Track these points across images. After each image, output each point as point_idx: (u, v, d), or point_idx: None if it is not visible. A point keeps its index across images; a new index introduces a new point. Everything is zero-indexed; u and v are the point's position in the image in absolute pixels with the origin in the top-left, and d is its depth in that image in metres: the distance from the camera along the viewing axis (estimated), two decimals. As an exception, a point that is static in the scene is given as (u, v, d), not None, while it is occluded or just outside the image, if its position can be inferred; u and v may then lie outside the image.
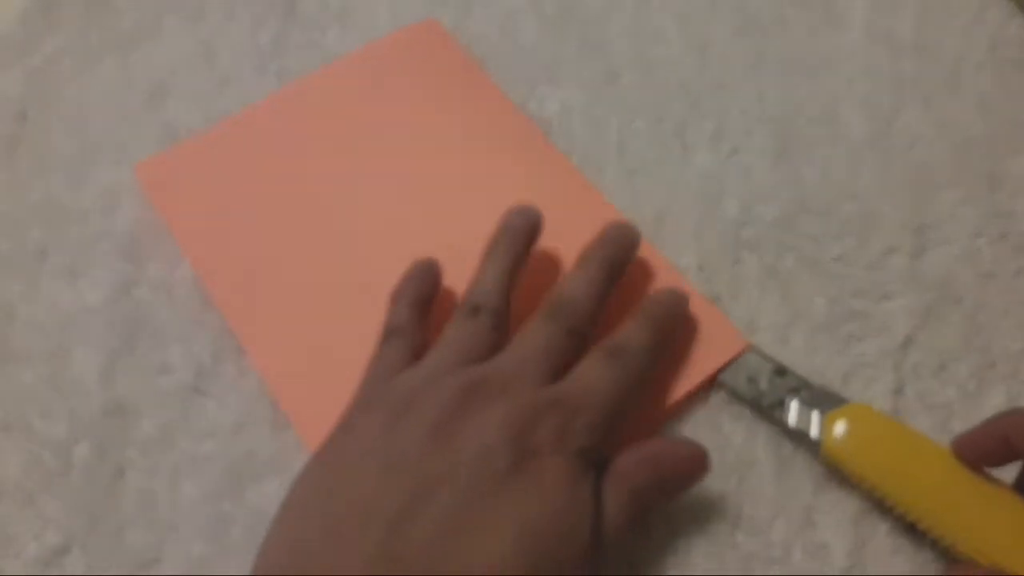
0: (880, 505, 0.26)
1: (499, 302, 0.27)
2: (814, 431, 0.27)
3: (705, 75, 0.37)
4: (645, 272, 0.31)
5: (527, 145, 0.34)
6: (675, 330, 0.29)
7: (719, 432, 0.29)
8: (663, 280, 0.31)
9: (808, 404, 0.28)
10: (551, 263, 0.32)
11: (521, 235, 0.29)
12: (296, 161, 0.35)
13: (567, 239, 0.31)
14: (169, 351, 0.31)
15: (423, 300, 0.28)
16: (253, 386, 0.30)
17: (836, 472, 0.27)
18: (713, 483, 0.28)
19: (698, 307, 0.30)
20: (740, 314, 0.31)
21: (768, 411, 0.28)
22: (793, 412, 0.28)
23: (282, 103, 0.36)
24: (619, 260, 0.29)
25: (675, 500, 0.27)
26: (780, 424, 0.28)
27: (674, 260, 0.32)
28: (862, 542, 0.27)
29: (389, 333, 0.28)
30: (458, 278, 0.30)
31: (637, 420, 0.28)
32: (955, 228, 0.33)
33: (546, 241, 0.31)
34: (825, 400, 0.28)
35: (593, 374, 0.26)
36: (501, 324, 0.27)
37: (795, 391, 0.28)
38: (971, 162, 0.34)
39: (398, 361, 0.26)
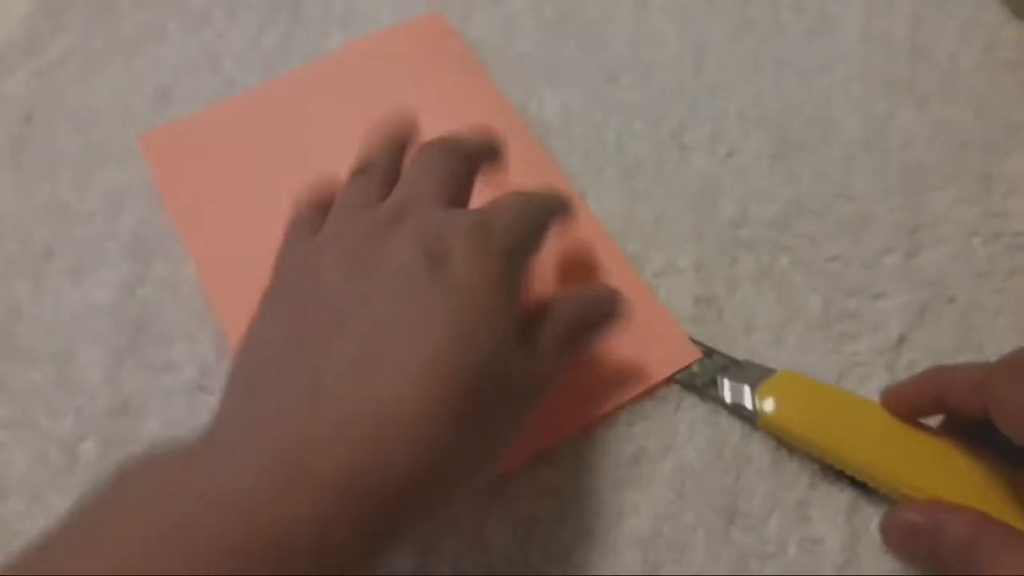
0: (823, 463, 0.28)
1: (386, 159, 0.27)
2: (748, 403, 0.29)
3: (703, 77, 0.38)
4: (600, 263, 0.32)
5: (515, 144, 0.35)
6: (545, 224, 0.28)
7: (716, 429, 0.29)
8: (625, 282, 0.31)
9: (739, 380, 0.29)
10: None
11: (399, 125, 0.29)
12: (293, 142, 0.35)
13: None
14: (174, 350, 0.32)
15: (319, 202, 0.28)
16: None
17: (777, 438, 0.29)
18: (709, 479, 0.29)
19: (655, 315, 0.31)
20: (736, 313, 0.32)
21: (703, 391, 0.29)
22: (727, 389, 0.29)
23: (286, 86, 0.37)
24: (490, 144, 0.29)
25: (600, 336, 0.28)
26: (718, 401, 0.29)
27: (671, 260, 0.33)
28: (856, 536, 0.28)
29: (293, 223, 0.28)
30: None
31: (581, 420, 0.29)
32: (949, 228, 0.33)
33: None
34: (754, 373, 0.29)
35: (501, 200, 0.25)
36: (390, 178, 0.27)
37: (725, 369, 0.29)
38: (965, 163, 0.35)
39: (305, 234, 0.26)
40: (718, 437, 0.29)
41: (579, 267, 0.32)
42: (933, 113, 0.36)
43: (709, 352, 0.30)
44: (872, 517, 0.28)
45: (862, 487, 0.28)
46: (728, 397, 0.29)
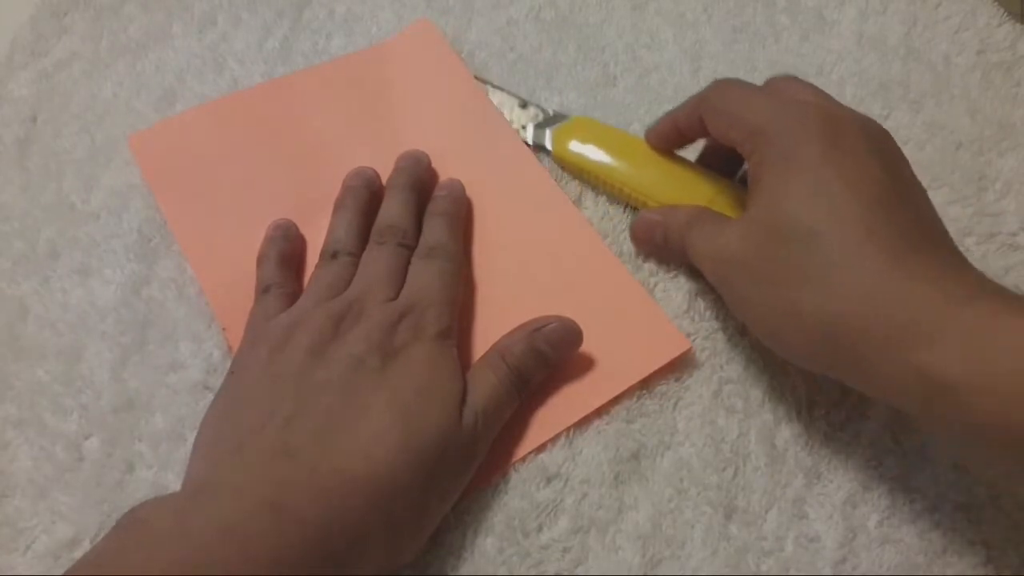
0: (598, 190, 0.35)
1: (353, 244, 0.32)
2: (548, 143, 0.35)
3: (699, 80, 0.38)
4: (590, 261, 0.33)
5: (504, 148, 0.35)
6: (464, 222, 0.33)
7: (714, 426, 0.30)
8: (615, 280, 0.32)
9: (544, 125, 0.36)
10: (515, 262, 0.33)
11: (361, 190, 0.33)
12: (282, 144, 0.36)
13: (535, 241, 0.33)
14: (179, 348, 0.32)
15: (287, 256, 0.32)
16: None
17: (563, 170, 0.35)
18: (707, 476, 0.29)
19: (643, 307, 0.31)
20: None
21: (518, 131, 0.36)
22: (530, 133, 0.36)
23: (277, 90, 0.37)
24: (420, 178, 0.34)
25: (555, 368, 0.30)
26: (524, 143, 0.36)
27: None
28: (853, 533, 0.28)
29: (262, 289, 0.31)
30: None
31: (573, 416, 0.29)
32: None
33: (513, 241, 0.33)
34: (558, 120, 0.36)
35: (423, 276, 0.30)
36: (356, 262, 0.31)
37: (534, 118, 0.36)
38: (960, 163, 0.35)
39: (273, 308, 0.30)
40: (716, 434, 0.30)
41: (570, 268, 0.32)
42: (927, 114, 0.36)
43: (524, 103, 0.36)
44: (869, 515, 0.28)
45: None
46: (531, 139, 0.36)
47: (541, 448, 0.29)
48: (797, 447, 0.29)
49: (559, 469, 0.29)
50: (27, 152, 0.37)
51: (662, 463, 0.29)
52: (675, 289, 0.32)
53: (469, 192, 0.34)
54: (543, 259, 0.33)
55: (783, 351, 0.26)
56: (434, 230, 0.32)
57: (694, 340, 0.31)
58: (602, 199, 0.35)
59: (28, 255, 0.34)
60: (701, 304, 0.32)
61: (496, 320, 0.31)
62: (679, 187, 0.32)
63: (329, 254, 0.31)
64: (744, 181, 0.30)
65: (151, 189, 0.35)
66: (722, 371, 0.31)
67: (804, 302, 0.24)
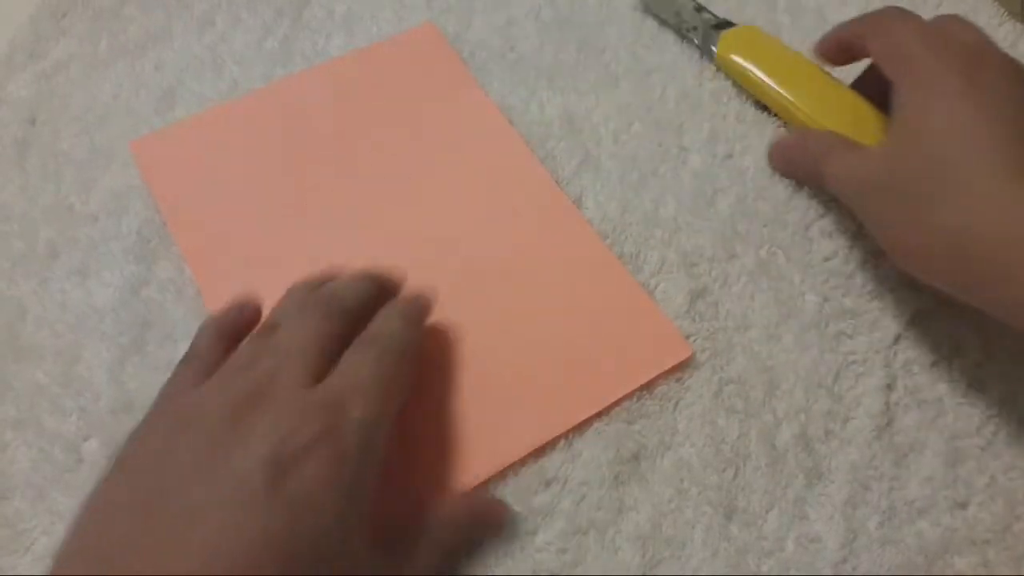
0: (757, 100, 0.37)
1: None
2: (714, 47, 0.37)
3: (700, 80, 0.38)
4: (591, 264, 0.32)
5: (505, 151, 0.35)
6: (424, 317, 0.29)
7: (714, 427, 0.30)
8: (616, 282, 0.32)
9: (715, 28, 0.38)
10: (515, 264, 0.32)
11: (326, 274, 0.29)
12: (283, 149, 0.36)
13: (535, 243, 0.33)
14: (178, 349, 0.31)
15: (229, 331, 0.28)
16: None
17: (726, 73, 0.37)
18: (708, 476, 0.29)
19: (647, 313, 0.31)
20: (732, 311, 0.32)
21: (686, 33, 0.39)
22: (701, 34, 0.38)
23: (276, 94, 0.37)
24: (387, 286, 0.29)
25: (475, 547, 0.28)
26: (693, 43, 0.38)
27: (668, 258, 0.33)
28: (853, 534, 0.28)
29: (186, 356, 0.28)
30: (428, 271, 0.30)
31: (576, 418, 0.29)
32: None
33: (513, 243, 0.33)
34: (728, 26, 0.38)
35: (354, 361, 0.26)
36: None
37: (708, 21, 0.38)
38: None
39: (185, 382, 0.26)
40: (716, 435, 0.29)
41: (570, 270, 0.32)
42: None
43: (700, 8, 0.38)
44: (870, 516, 0.28)
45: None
46: (700, 40, 0.38)
47: (540, 451, 0.29)
48: (797, 447, 0.29)
49: (558, 471, 0.29)
50: (26, 153, 0.37)
51: (662, 464, 0.29)
52: (675, 289, 0.32)
53: (468, 194, 0.34)
54: (543, 261, 0.33)
55: (919, 270, 0.28)
56: (388, 318, 0.27)
57: (694, 340, 0.31)
58: (602, 198, 0.35)
59: (27, 256, 0.34)
60: (701, 304, 0.32)
61: (496, 321, 0.31)
62: (828, 106, 0.34)
63: (269, 326, 0.27)
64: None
65: (152, 194, 0.35)
66: (722, 371, 0.31)
67: (940, 221, 0.26)
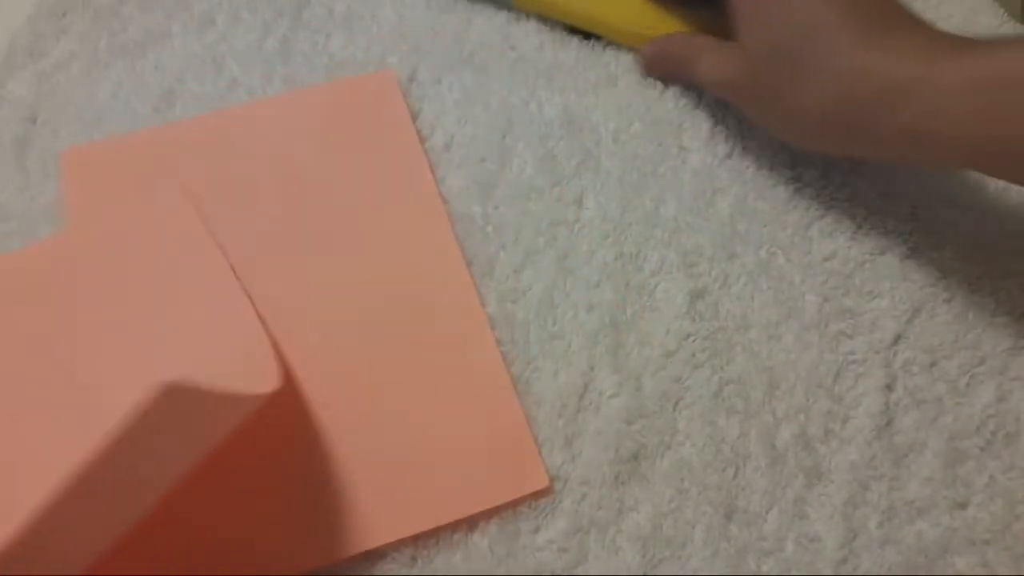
0: (564, 27, 0.38)
1: None
2: None
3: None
4: (480, 373, 0.30)
5: (425, 222, 0.33)
6: None
7: (714, 426, 0.30)
8: (498, 395, 0.30)
9: None
10: (402, 360, 0.30)
11: None
12: (200, 188, 0.34)
13: (425, 336, 0.31)
14: (177, 349, 0.32)
15: None
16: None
17: (526, 10, 0.38)
18: (708, 476, 0.29)
19: (516, 431, 0.29)
20: (732, 311, 0.32)
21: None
22: None
23: (208, 127, 0.36)
24: None
25: None
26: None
27: (668, 258, 0.33)
28: (853, 534, 0.28)
29: None
30: (312, 340, 0.30)
31: (404, 529, 0.27)
32: (946, 228, 0.34)
33: (402, 330, 0.31)
34: None
35: None
36: None
37: None
38: (961, 164, 0.35)
39: None
40: (716, 435, 0.30)
41: (457, 371, 0.30)
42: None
43: None
44: (870, 516, 0.28)
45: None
46: None
47: (539, 452, 0.29)
48: (797, 447, 0.29)
49: (559, 470, 0.29)
50: (25, 153, 0.37)
51: (662, 463, 0.29)
52: (676, 290, 0.32)
53: (374, 256, 0.32)
54: (431, 354, 0.30)
55: (806, 144, 0.32)
56: None
57: (694, 341, 0.31)
58: (602, 198, 0.35)
59: (27, 255, 0.34)
60: (701, 304, 0.32)
61: (359, 412, 0.29)
62: (660, 16, 0.37)
63: None
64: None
65: (69, 206, 0.34)
66: (722, 371, 0.31)
67: (808, 99, 0.29)
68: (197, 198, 0.34)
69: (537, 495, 0.28)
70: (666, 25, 0.37)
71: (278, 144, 0.36)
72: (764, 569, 0.27)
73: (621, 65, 0.38)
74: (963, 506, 0.28)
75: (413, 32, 0.39)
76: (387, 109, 0.36)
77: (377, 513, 0.28)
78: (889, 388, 0.30)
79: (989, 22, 0.39)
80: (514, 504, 0.28)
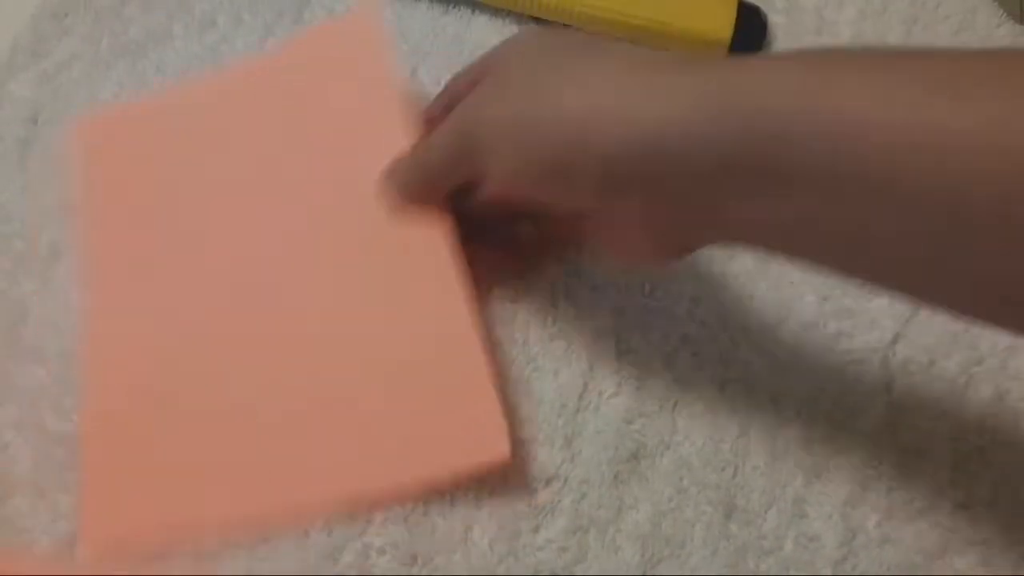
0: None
1: None
2: None
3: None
4: (450, 334, 0.28)
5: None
6: None
7: (714, 426, 0.30)
8: (465, 354, 0.28)
9: None
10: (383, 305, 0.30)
11: None
12: (198, 157, 0.35)
13: (402, 281, 0.30)
14: (178, 348, 0.32)
15: None
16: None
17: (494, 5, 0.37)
18: (707, 475, 0.29)
19: (480, 395, 0.27)
20: (732, 311, 0.32)
21: None
22: None
23: (210, 90, 0.37)
24: None
25: None
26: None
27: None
28: (852, 533, 0.28)
29: None
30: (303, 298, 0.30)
31: (358, 488, 0.27)
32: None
33: (385, 296, 0.30)
34: None
35: None
36: None
37: None
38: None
39: None
40: (716, 434, 0.30)
41: (425, 332, 0.29)
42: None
43: None
44: (869, 515, 0.28)
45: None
46: None
47: (539, 451, 0.29)
48: (797, 447, 0.29)
49: (558, 469, 0.29)
50: (27, 153, 0.37)
51: (662, 462, 0.29)
52: (676, 289, 0.32)
53: (363, 219, 0.30)
54: (397, 312, 0.29)
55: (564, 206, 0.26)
56: None
57: (694, 340, 0.31)
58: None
59: (29, 256, 0.34)
60: (701, 306, 0.32)
61: (325, 352, 0.29)
62: None
63: None
64: None
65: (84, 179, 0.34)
66: (722, 371, 0.31)
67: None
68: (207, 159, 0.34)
69: (495, 467, 0.27)
70: (635, 7, 0.36)
71: (259, 108, 0.35)
72: (763, 568, 0.27)
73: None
74: (962, 506, 0.28)
75: (413, 32, 0.39)
76: (368, 49, 0.34)
77: (325, 471, 0.27)
78: (888, 387, 0.30)
79: (988, 22, 0.39)
80: (474, 473, 0.27)
